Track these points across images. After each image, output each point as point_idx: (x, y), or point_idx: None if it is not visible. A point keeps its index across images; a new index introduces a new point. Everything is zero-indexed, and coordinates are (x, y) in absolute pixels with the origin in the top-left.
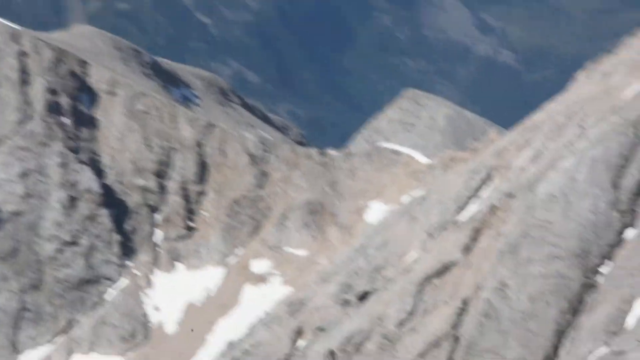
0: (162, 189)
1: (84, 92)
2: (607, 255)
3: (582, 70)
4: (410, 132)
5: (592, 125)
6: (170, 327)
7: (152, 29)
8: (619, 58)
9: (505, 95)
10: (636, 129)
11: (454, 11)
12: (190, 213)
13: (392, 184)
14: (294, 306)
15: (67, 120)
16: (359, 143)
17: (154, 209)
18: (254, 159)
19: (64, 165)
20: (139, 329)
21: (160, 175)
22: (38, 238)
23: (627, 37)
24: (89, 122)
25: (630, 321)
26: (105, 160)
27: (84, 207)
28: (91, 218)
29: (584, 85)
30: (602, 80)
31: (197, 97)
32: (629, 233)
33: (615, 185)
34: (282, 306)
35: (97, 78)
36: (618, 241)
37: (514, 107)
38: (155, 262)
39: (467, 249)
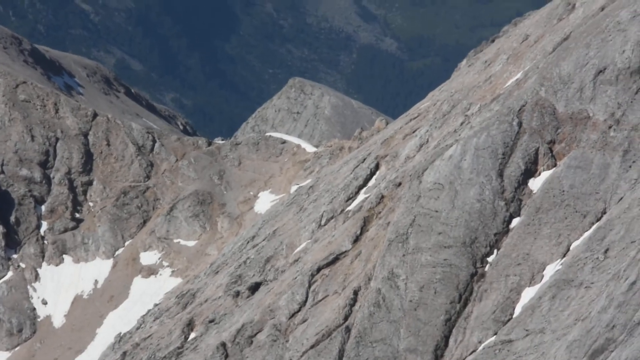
0: (47, 179)
1: None
2: (494, 244)
3: (464, 58)
4: (296, 121)
5: (476, 113)
6: (59, 321)
7: (32, 16)
8: (500, 47)
9: (388, 83)
10: (519, 118)
11: None
12: (76, 204)
13: (280, 173)
14: (184, 298)
15: None
16: (246, 132)
17: (39, 200)
18: (140, 148)
19: None
20: (27, 323)
21: (44, 165)
22: None
23: (507, 26)
24: None
25: (518, 310)
26: None
27: None
28: None
29: (467, 74)
30: (483, 69)
31: (80, 85)
32: (515, 222)
33: (501, 174)
34: (172, 298)
35: None
36: (504, 230)
37: (398, 95)
38: (42, 254)
39: (356, 239)
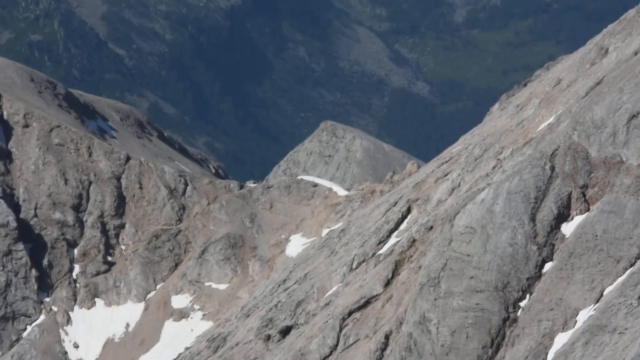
0: (80, 223)
1: None
2: (526, 289)
3: (496, 102)
4: (328, 164)
5: (508, 157)
6: None
7: (66, 61)
8: (532, 91)
9: (420, 126)
10: (551, 162)
11: (368, 43)
12: (108, 247)
13: (312, 216)
14: (215, 341)
15: None
16: (277, 175)
17: (71, 244)
18: (172, 192)
19: None
20: None
21: (77, 209)
22: None
23: (539, 70)
24: (4, 155)
25: (551, 356)
26: (20, 193)
27: (0, 243)
28: (7, 253)
29: (499, 118)
30: (516, 113)
31: (113, 129)
32: (548, 266)
33: (533, 218)
34: (203, 342)
35: (11, 110)
36: (537, 274)
37: (430, 139)
38: (74, 297)
39: (387, 282)
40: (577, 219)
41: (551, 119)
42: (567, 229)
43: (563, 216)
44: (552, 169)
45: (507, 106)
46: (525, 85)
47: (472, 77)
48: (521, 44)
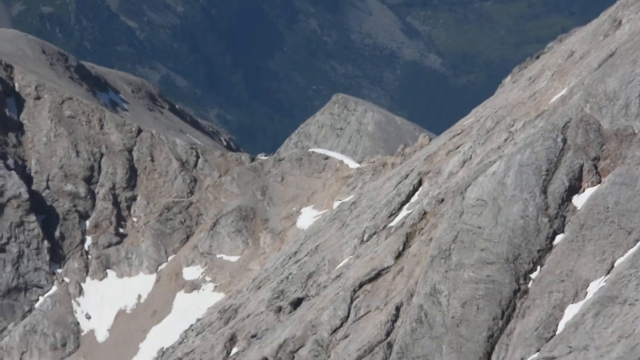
0: (91, 194)
1: (10, 97)
2: (537, 261)
3: (508, 75)
4: (339, 137)
5: (520, 130)
6: (102, 335)
7: (78, 33)
8: (544, 63)
9: (432, 99)
10: (563, 134)
11: (380, 15)
12: (120, 219)
13: (323, 189)
14: (226, 313)
15: None
16: (289, 148)
17: (83, 215)
18: (184, 164)
19: None
20: (71, 338)
21: (89, 181)
22: None
23: (552, 42)
24: (16, 127)
25: (561, 327)
26: (32, 165)
27: (11, 214)
28: (19, 225)
29: (511, 90)
30: (528, 85)
31: (125, 101)
32: (558, 238)
33: (544, 191)
34: (215, 313)
35: (22, 82)
36: (548, 247)
37: (442, 112)
38: (86, 269)
39: (398, 255)
40: (589, 191)
41: (563, 91)
42: (579, 201)
43: (574, 188)
44: (564, 141)
45: (519, 79)
46: (537, 57)
47: (485, 50)
48: (534, 16)
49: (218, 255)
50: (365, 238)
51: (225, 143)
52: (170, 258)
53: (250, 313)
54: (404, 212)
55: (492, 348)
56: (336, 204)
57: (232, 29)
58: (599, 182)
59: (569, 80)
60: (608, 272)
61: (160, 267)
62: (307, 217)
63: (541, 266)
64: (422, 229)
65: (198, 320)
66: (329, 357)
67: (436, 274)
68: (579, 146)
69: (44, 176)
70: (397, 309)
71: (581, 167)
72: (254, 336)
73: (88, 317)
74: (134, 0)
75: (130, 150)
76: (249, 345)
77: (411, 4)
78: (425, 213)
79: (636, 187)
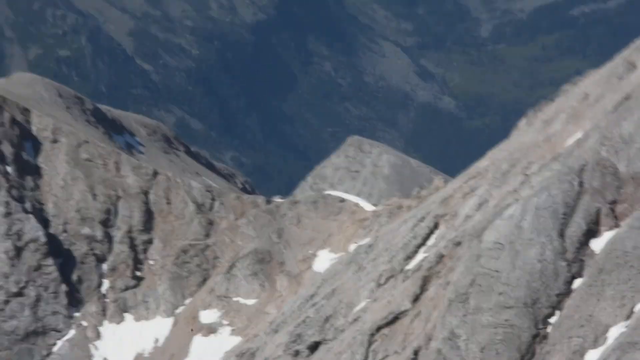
0: (108, 238)
1: (27, 140)
2: (556, 305)
3: (523, 117)
4: (355, 180)
5: (536, 172)
6: None
7: (94, 76)
8: (559, 106)
9: (447, 141)
10: (580, 177)
11: (394, 58)
12: (137, 262)
13: (339, 232)
14: (244, 357)
15: (10, 169)
16: (304, 190)
17: (100, 259)
18: (200, 207)
19: (8, 214)
20: None
21: (105, 224)
22: None
23: (566, 85)
24: (33, 171)
25: None
26: (49, 209)
27: (29, 257)
28: (37, 268)
29: (526, 133)
30: (543, 128)
31: (141, 144)
32: (577, 282)
33: (561, 234)
34: (232, 357)
35: (39, 126)
36: (567, 291)
37: (456, 154)
38: (103, 312)
39: (416, 298)
40: (607, 235)
41: (579, 135)
42: (597, 245)
43: (592, 232)
44: (581, 184)
45: (534, 121)
46: (552, 100)
47: (499, 92)
48: (548, 58)
49: (235, 299)
50: (382, 281)
51: (240, 185)
52: (187, 301)
53: (268, 357)
54: (420, 255)
55: None
56: (352, 246)
57: (246, 71)
58: (617, 225)
59: (584, 123)
60: (628, 317)
61: (177, 311)
62: (324, 260)
63: (560, 311)
64: (439, 272)
65: None
66: None
67: (454, 318)
68: (596, 189)
69: (61, 219)
70: (416, 353)
71: (598, 210)
72: None
73: None
74: (149, 44)
75: (146, 193)
76: None
77: (425, 46)
78: (442, 256)
79: None
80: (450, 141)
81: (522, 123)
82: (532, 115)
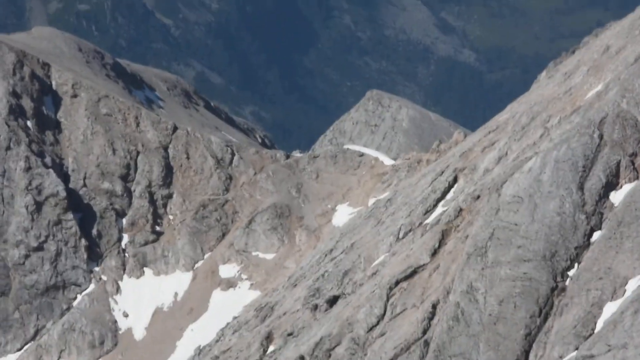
0: (128, 192)
1: (47, 95)
2: (574, 258)
3: (544, 70)
4: (374, 134)
5: (556, 125)
6: (139, 333)
7: (114, 31)
8: (580, 58)
9: (467, 95)
10: (600, 130)
11: (414, 11)
12: (156, 217)
13: (358, 186)
14: (262, 311)
15: (30, 124)
16: (323, 145)
17: (120, 213)
18: (219, 161)
19: (28, 169)
20: (108, 336)
21: (125, 178)
22: (4, 244)
23: (587, 37)
24: (53, 126)
25: (600, 325)
26: (69, 163)
27: (49, 212)
28: (57, 223)
29: (546, 86)
30: (563, 81)
31: (160, 99)
32: (596, 235)
33: (581, 187)
34: (251, 311)
35: (59, 80)
36: (585, 243)
37: (477, 107)
38: (123, 267)
39: (434, 252)
40: (626, 187)
41: (599, 87)
42: (616, 197)
43: (612, 185)
44: (601, 137)
45: (554, 74)
46: (573, 52)
47: (519, 45)
48: (569, 10)
49: (254, 253)
50: (400, 235)
51: (260, 140)
52: (206, 256)
53: (287, 311)
54: (439, 209)
55: (530, 346)
56: (371, 201)
57: (266, 25)
58: (637, 178)
59: (604, 75)
60: None
61: (196, 265)
62: (343, 215)
63: (579, 263)
64: (458, 226)
65: (234, 318)
66: (365, 355)
67: (472, 272)
68: (616, 142)
69: (81, 174)
70: (434, 306)
71: (618, 163)
72: (290, 334)
73: (125, 315)
74: None
75: (166, 148)
76: (286, 344)
77: None
78: (461, 210)
79: None
80: (470, 95)
81: (543, 76)
82: (552, 68)
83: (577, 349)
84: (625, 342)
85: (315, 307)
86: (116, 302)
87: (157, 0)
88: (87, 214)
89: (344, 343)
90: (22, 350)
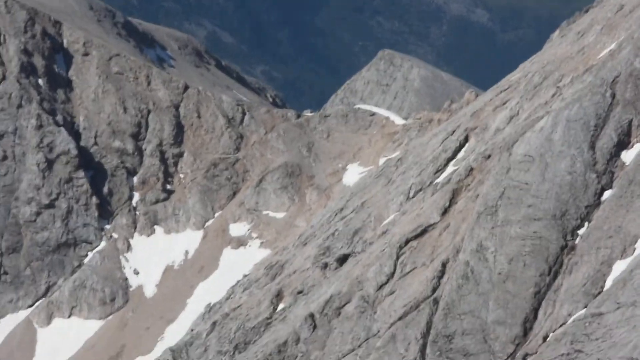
0: (139, 151)
1: (59, 53)
2: (585, 217)
3: (557, 29)
4: (385, 93)
5: (568, 85)
6: (150, 291)
7: None
8: (593, 17)
9: (479, 55)
10: (612, 89)
11: None
12: (167, 175)
13: (369, 145)
14: (272, 269)
15: (42, 82)
16: (334, 104)
17: (131, 172)
18: (230, 121)
19: (39, 127)
20: (119, 293)
21: (136, 137)
22: (16, 201)
23: None
24: (64, 84)
25: (609, 283)
26: (81, 122)
27: (60, 170)
28: (68, 181)
29: (559, 45)
30: (576, 40)
31: (172, 58)
32: (606, 194)
33: (592, 146)
34: (261, 269)
35: (70, 39)
36: (596, 202)
37: (489, 67)
38: (134, 225)
39: (444, 211)
40: (638, 147)
41: (612, 46)
42: (627, 156)
43: (623, 144)
44: (613, 96)
45: (567, 33)
46: (586, 11)
47: (533, 4)
48: None
49: (264, 212)
50: (411, 194)
51: (271, 100)
52: (217, 214)
53: (297, 269)
54: (450, 169)
55: (539, 304)
56: (382, 160)
57: None
58: None
59: (618, 34)
60: None
61: (207, 224)
62: (353, 174)
63: (589, 222)
64: (469, 185)
65: (245, 276)
66: (375, 313)
67: (482, 231)
68: (628, 101)
69: (92, 132)
70: (443, 265)
71: (630, 122)
72: (300, 292)
73: (136, 272)
74: None
75: (177, 107)
76: (296, 301)
77: None
78: (471, 169)
79: None
80: (483, 55)
81: (556, 35)
82: (565, 27)
83: (586, 306)
84: (634, 300)
85: (325, 265)
86: (127, 260)
87: None
88: (98, 172)
89: (354, 301)
90: (34, 307)
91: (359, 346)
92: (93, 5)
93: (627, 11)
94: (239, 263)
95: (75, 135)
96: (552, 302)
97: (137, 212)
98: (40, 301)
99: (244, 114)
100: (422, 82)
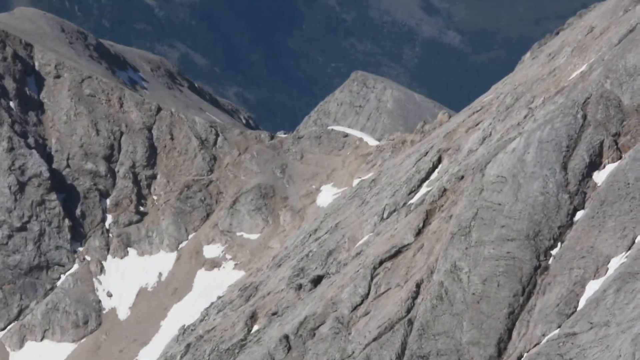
0: (112, 173)
1: (30, 76)
2: (557, 237)
3: (528, 51)
4: (359, 115)
5: (540, 106)
6: (123, 313)
7: (97, 11)
8: (564, 39)
9: (452, 76)
10: (583, 110)
11: None
12: (140, 197)
13: (343, 166)
14: (247, 291)
15: (13, 104)
16: (308, 126)
17: (103, 194)
18: (203, 142)
19: (11, 149)
20: (92, 315)
21: (109, 159)
22: None
23: (571, 18)
24: (36, 106)
25: (582, 303)
26: (53, 144)
27: (32, 192)
28: (41, 203)
29: (530, 67)
30: (547, 62)
31: (144, 80)
32: (579, 215)
33: (564, 167)
34: (235, 291)
35: (42, 61)
36: (568, 223)
37: (461, 89)
38: (107, 247)
39: (418, 232)
40: (609, 167)
41: (583, 67)
42: (599, 177)
43: (595, 164)
44: (584, 117)
45: (539, 55)
46: (557, 33)
47: (504, 26)
48: None
49: (238, 233)
50: (385, 215)
51: (244, 121)
52: (190, 236)
53: (271, 291)
54: (423, 189)
55: (513, 324)
56: (356, 181)
57: (251, 6)
58: (620, 158)
59: (588, 56)
60: (629, 248)
61: (180, 245)
62: (327, 195)
63: (562, 242)
64: (442, 206)
65: (219, 297)
66: (349, 334)
67: (456, 251)
68: (599, 122)
69: (64, 155)
70: (418, 286)
71: (601, 143)
72: (274, 314)
73: (109, 295)
74: None
75: (150, 129)
76: (270, 323)
77: None
78: (445, 190)
79: None
80: (455, 76)
81: (527, 57)
82: (537, 49)
83: (559, 327)
84: (607, 319)
85: (300, 286)
86: (100, 282)
87: None
88: (71, 195)
89: (328, 322)
90: (6, 330)
91: None
92: (65, 28)
93: (597, 33)
94: (213, 285)
95: (48, 157)
96: (526, 322)
97: (110, 235)
98: (12, 324)
99: (217, 135)
100: (395, 103)
